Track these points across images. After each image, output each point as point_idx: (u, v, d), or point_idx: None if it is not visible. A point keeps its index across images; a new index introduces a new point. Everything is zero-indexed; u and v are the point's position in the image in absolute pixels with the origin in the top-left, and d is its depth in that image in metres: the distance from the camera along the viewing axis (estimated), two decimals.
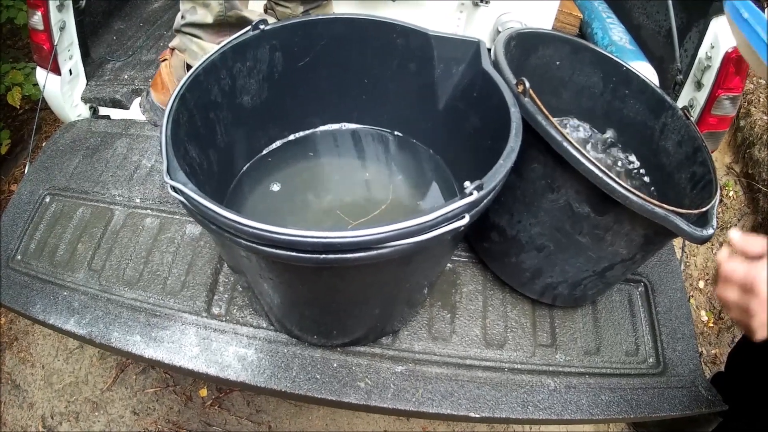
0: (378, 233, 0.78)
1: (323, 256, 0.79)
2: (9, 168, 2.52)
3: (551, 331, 1.30)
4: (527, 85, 1.03)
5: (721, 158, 2.54)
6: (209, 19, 1.30)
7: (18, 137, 2.55)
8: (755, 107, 2.52)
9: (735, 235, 0.83)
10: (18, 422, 1.87)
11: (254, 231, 0.78)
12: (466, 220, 0.84)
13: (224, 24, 1.33)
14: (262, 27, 1.17)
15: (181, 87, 1.04)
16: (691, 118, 1.27)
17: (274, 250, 0.79)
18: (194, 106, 1.08)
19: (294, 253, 0.79)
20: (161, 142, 0.94)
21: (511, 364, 1.23)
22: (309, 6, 1.66)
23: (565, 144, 0.98)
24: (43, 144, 1.65)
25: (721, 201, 2.44)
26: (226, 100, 1.18)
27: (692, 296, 2.12)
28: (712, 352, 2.03)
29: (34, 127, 1.76)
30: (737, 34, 1.08)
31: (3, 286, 1.34)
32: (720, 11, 1.59)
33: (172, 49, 1.47)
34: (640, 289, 1.40)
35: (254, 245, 0.80)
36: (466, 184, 0.85)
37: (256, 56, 1.20)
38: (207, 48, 1.34)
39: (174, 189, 0.87)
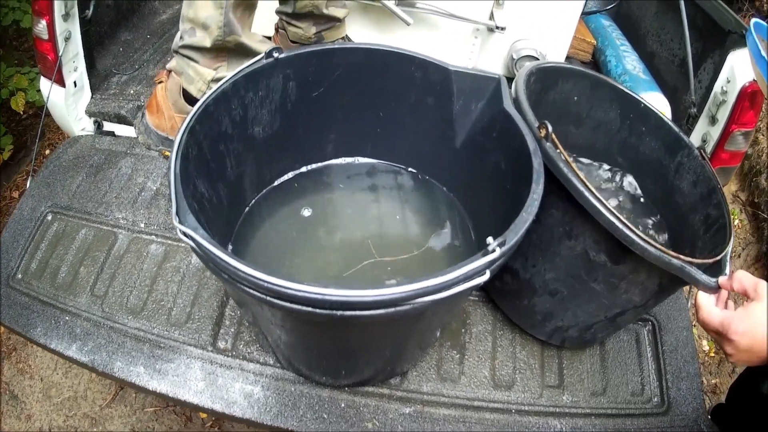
0: (397, 293, 0.74)
1: (340, 312, 0.75)
2: (11, 174, 2.47)
3: (559, 372, 1.26)
4: (550, 129, 1.00)
5: (727, 186, 2.52)
6: (207, 43, 1.25)
7: (21, 143, 2.50)
8: (762, 135, 2.50)
9: (721, 279, 0.93)
10: None
11: (270, 286, 0.74)
12: (487, 276, 0.81)
13: (222, 49, 1.28)
14: (276, 55, 1.13)
15: (191, 119, 0.99)
16: (707, 158, 1.24)
17: (290, 305, 0.75)
18: (204, 139, 1.04)
19: (311, 309, 0.75)
20: (170, 180, 0.90)
21: (519, 405, 1.20)
22: (322, 27, 1.62)
23: (586, 193, 0.95)
24: (46, 156, 1.60)
25: None
26: (237, 132, 1.14)
27: (695, 325, 2.10)
28: (713, 381, 2.01)
29: (38, 134, 1.71)
30: (757, 73, 1.07)
31: (3, 305, 1.29)
32: (737, 44, 1.55)
33: (169, 71, 1.41)
34: (647, 328, 1.37)
35: (269, 299, 0.76)
36: (489, 239, 0.82)
37: (268, 85, 1.16)
38: (203, 73, 1.29)
39: (184, 233, 0.83)
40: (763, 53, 1.04)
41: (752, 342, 0.84)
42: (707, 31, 1.70)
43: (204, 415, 1.84)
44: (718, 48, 1.63)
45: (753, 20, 1.08)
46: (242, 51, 1.27)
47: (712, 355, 2.05)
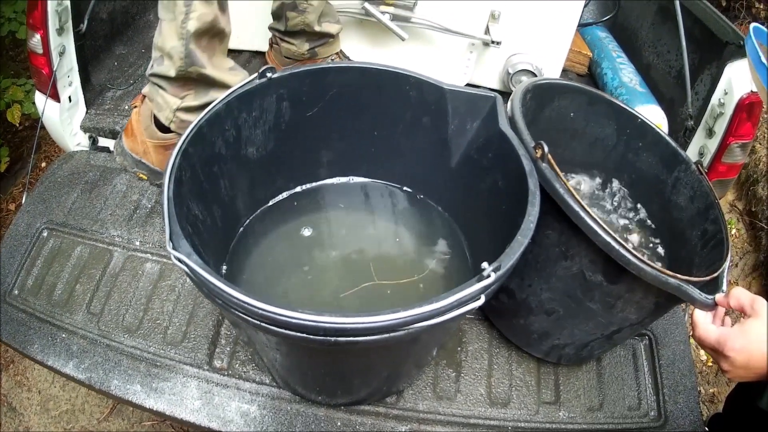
0: (392, 319, 0.74)
1: (335, 338, 0.75)
2: (7, 186, 2.47)
3: (555, 389, 1.26)
4: (546, 149, 0.99)
5: (724, 196, 2.52)
6: (172, 73, 1.24)
7: (17, 155, 2.50)
8: (760, 144, 2.50)
9: (718, 296, 0.94)
10: None
11: (263, 313, 0.74)
12: (482, 301, 0.81)
13: (187, 79, 1.27)
14: (269, 75, 1.12)
15: (183, 141, 0.99)
16: (705, 174, 1.23)
17: (284, 331, 0.75)
18: (197, 161, 1.04)
19: (305, 335, 0.75)
20: (163, 204, 0.89)
21: (515, 422, 1.20)
22: (315, 44, 1.62)
23: (582, 214, 0.94)
24: (43, 168, 1.59)
25: None
26: (230, 152, 1.13)
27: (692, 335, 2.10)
28: (710, 391, 2.01)
29: (34, 147, 1.71)
30: (756, 79, 1.07)
31: (1, 322, 1.29)
32: (735, 56, 1.55)
33: (144, 97, 1.41)
34: (644, 343, 1.37)
35: (264, 325, 0.76)
36: (484, 265, 0.81)
37: (262, 106, 1.16)
38: (170, 102, 1.28)
39: (178, 259, 0.83)
40: (763, 59, 1.03)
41: (749, 358, 0.85)
42: (705, 43, 1.69)
43: None
44: (715, 59, 1.62)
45: (753, 25, 1.08)
46: (207, 81, 1.27)
47: (710, 364, 2.06)
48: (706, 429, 1.30)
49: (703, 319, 0.93)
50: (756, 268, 2.27)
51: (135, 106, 1.41)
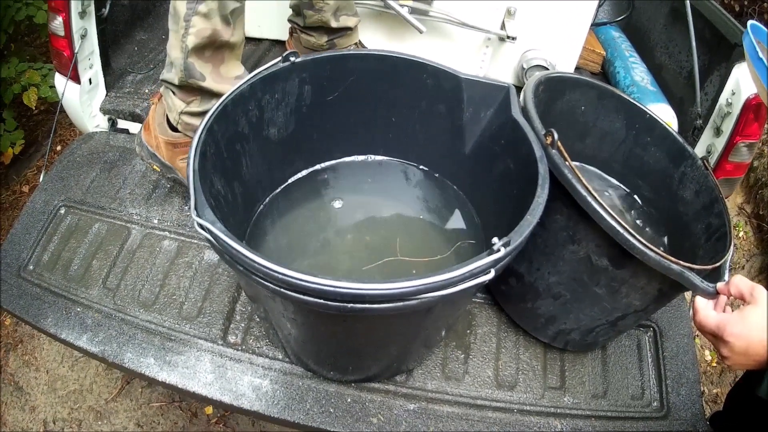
0: (406, 287, 0.79)
1: (351, 305, 0.80)
2: (21, 169, 2.54)
3: (561, 375, 1.32)
4: (556, 137, 1.05)
5: (733, 198, 2.57)
6: (176, 81, 1.30)
7: (32, 138, 2.57)
8: None
9: (719, 284, 0.97)
10: (19, 424, 1.89)
11: (284, 278, 0.79)
12: (492, 274, 0.86)
13: (190, 88, 1.32)
14: (292, 59, 1.19)
15: (209, 119, 1.05)
16: (710, 169, 1.28)
17: (302, 296, 0.81)
18: (221, 138, 1.10)
19: (322, 301, 0.80)
20: (188, 176, 0.95)
21: (521, 405, 1.26)
22: (333, 36, 1.68)
23: (590, 199, 1.00)
24: (57, 152, 1.65)
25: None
26: (252, 132, 1.20)
27: (697, 335, 2.15)
28: (714, 391, 2.06)
29: (53, 130, 1.77)
30: (754, 75, 1.12)
31: (14, 296, 1.34)
32: (743, 57, 1.60)
33: (160, 96, 1.49)
34: (649, 335, 1.42)
35: (282, 290, 0.81)
36: (494, 240, 0.87)
37: (285, 89, 1.22)
38: (176, 105, 1.34)
39: (201, 227, 0.88)
40: (762, 55, 1.08)
41: (747, 345, 0.87)
42: (714, 44, 1.75)
43: (209, 411, 1.89)
44: (724, 61, 1.68)
45: (750, 23, 1.13)
46: (206, 92, 1.33)
47: (714, 365, 2.10)
48: (708, 423, 1.35)
49: (703, 305, 0.97)
50: (762, 270, 2.33)
51: (153, 103, 1.48)
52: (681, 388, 1.34)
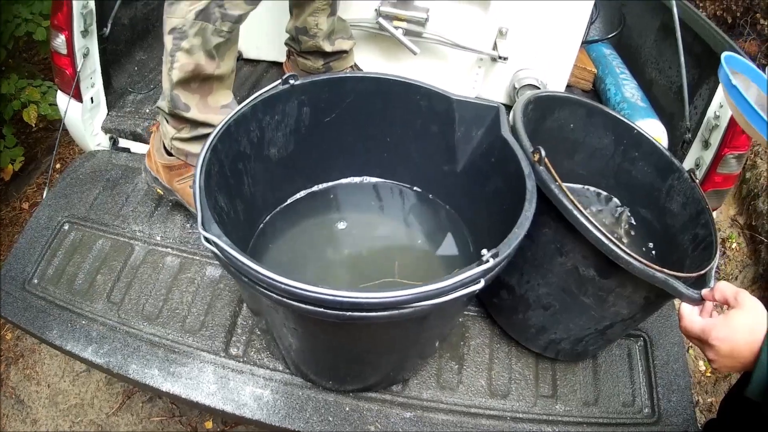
0: (400, 296, 0.87)
1: (348, 313, 0.88)
2: (21, 186, 2.62)
3: (552, 383, 1.39)
4: (543, 153, 1.13)
5: (725, 210, 2.66)
6: (166, 110, 1.40)
7: (31, 155, 2.64)
8: (761, 159, 2.64)
9: (704, 291, 1.02)
10: None
11: (286, 287, 0.86)
12: (481, 284, 0.94)
13: (179, 117, 1.42)
14: (292, 82, 1.27)
15: (213, 138, 1.13)
16: (697, 181, 1.35)
17: (302, 305, 0.88)
18: (225, 157, 1.18)
19: (321, 309, 0.88)
20: (194, 192, 1.03)
21: (514, 413, 1.32)
22: (329, 59, 1.79)
23: (575, 212, 1.07)
24: (57, 170, 1.72)
25: (723, 253, 2.55)
26: (254, 152, 1.28)
27: (691, 347, 2.22)
28: (708, 400, 2.13)
29: (55, 147, 1.85)
30: (732, 106, 1.19)
31: (20, 308, 1.42)
32: None
33: (158, 124, 1.57)
34: (639, 344, 1.49)
35: (284, 300, 0.89)
36: (484, 251, 0.94)
37: (284, 110, 1.31)
38: (168, 131, 1.45)
39: (207, 240, 0.95)
40: (734, 82, 1.16)
41: (732, 347, 0.91)
42: (703, 58, 1.83)
43: (209, 426, 1.96)
44: (713, 74, 1.74)
45: (724, 54, 1.21)
46: (193, 122, 1.43)
47: (709, 374, 2.18)
48: (700, 428, 1.41)
49: (688, 311, 1.02)
50: (755, 281, 2.41)
51: (152, 132, 1.58)
52: (672, 395, 1.40)
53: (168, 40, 1.31)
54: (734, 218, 2.64)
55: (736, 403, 1.54)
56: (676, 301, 1.13)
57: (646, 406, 1.39)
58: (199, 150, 1.19)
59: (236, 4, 1.29)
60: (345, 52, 1.81)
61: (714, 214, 2.05)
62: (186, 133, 1.44)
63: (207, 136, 1.15)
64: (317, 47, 1.77)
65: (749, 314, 0.91)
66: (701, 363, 2.21)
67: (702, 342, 0.97)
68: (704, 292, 1.03)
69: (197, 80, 1.37)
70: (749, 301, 0.93)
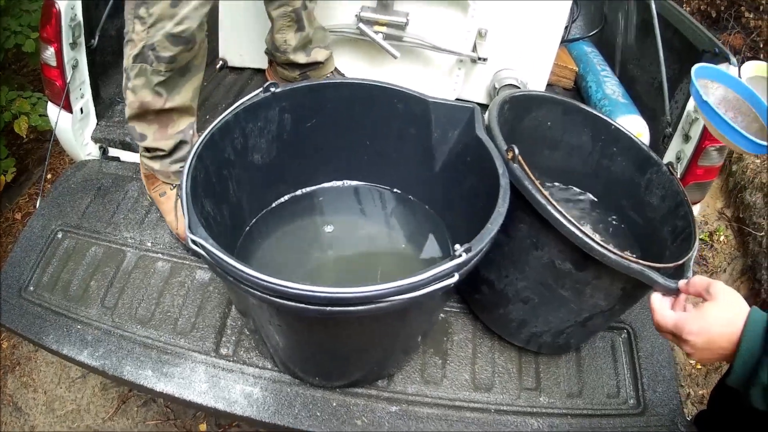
0: (377, 290, 0.93)
1: (329, 308, 0.94)
2: (13, 196, 2.68)
3: (536, 376, 1.45)
4: (516, 151, 1.18)
5: (712, 203, 2.72)
6: None
7: (22, 166, 2.71)
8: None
9: (681, 282, 1.03)
10: None
11: (269, 285, 0.93)
12: (456, 278, 0.99)
13: None
14: (273, 90, 1.34)
15: (198, 146, 1.20)
16: (675, 174, 1.40)
17: (285, 302, 0.94)
18: (210, 164, 1.24)
19: (303, 305, 0.94)
20: (182, 198, 1.10)
21: (498, 405, 1.38)
22: (306, 69, 1.87)
23: (549, 207, 1.12)
24: (48, 180, 1.79)
25: (711, 246, 2.61)
26: (238, 158, 1.35)
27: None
28: (700, 392, 2.19)
29: (47, 158, 1.92)
30: (704, 119, 1.25)
31: (17, 315, 1.48)
32: (710, 62, 1.73)
33: None
34: (623, 336, 1.55)
35: (268, 297, 0.95)
36: (456, 246, 1.00)
37: (266, 117, 1.38)
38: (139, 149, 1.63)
39: (195, 243, 1.01)
40: (705, 98, 1.21)
41: (709, 340, 0.90)
42: (683, 52, 1.88)
43: (203, 429, 2.02)
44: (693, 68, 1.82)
45: (695, 67, 1.27)
46: (146, 148, 1.58)
47: (699, 367, 2.24)
48: (688, 420, 1.45)
49: (660, 305, 1.01)
50: (744, 273, 2.47)
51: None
52: (657, 385, 1.45)
53: (124, 78, 1.47)
54: (722, 211, 2.70)
55: (723, 393, 1.60)
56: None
57: (631, 397, 1.44)
58: (160, 167, 1.41)
59: (165, 46, 1.40)
60: (320, 63, 1.89)
61: (701, 207, 2.10)
62: (145, 152, 1.57)
63: (164, 156, 1.35)
64: (290, 61, 1.86)
65: (724, 306, 0.91)
66: None
67: (676, 337, 0.96)
68: (681, 283, 1.04)
69: (150, 114, 1.50)
70: (723, 293, 0.93)
